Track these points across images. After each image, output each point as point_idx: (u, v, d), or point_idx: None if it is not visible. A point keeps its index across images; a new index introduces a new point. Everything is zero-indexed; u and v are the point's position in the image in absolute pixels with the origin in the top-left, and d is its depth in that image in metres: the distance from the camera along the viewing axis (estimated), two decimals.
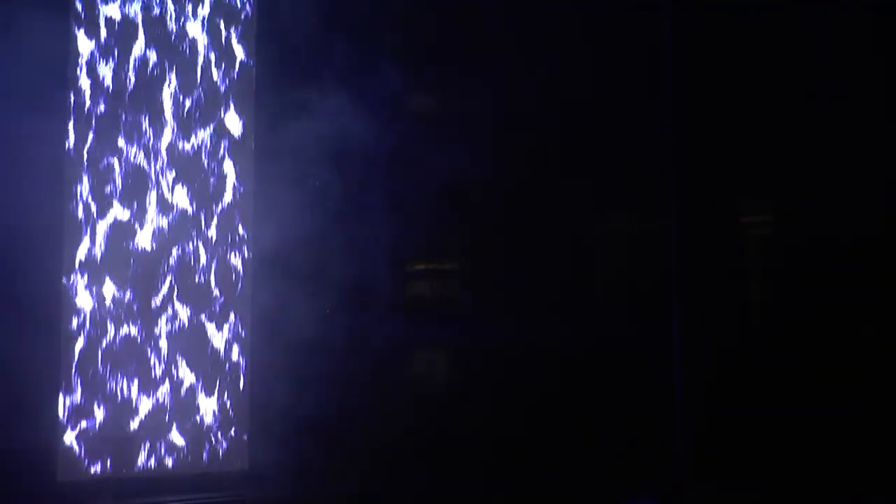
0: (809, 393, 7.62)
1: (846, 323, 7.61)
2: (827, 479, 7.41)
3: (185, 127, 7.64)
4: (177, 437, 7.43)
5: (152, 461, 7.30)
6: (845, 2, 7.66)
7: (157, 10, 7.52)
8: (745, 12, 7.92)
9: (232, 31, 7.95)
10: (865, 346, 7.56)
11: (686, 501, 7.74)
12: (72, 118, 7.07)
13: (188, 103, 7.64)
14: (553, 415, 8.09)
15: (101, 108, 7.21)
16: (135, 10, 7.40)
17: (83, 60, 7.14)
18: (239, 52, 7.97)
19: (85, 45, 7.16)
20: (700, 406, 7.83)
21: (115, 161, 7.26)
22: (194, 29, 7.72)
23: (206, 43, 7.78)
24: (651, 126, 8.10)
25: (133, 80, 7.37)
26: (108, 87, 7.25)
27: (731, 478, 7.67)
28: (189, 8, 7.71)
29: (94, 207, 7.15)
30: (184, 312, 7.55)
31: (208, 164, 7.77)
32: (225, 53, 7.90)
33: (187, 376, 7.52)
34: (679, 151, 8.05)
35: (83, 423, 6.99)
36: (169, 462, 7.37)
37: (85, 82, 7.14)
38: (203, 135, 7.74)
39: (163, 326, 7.43)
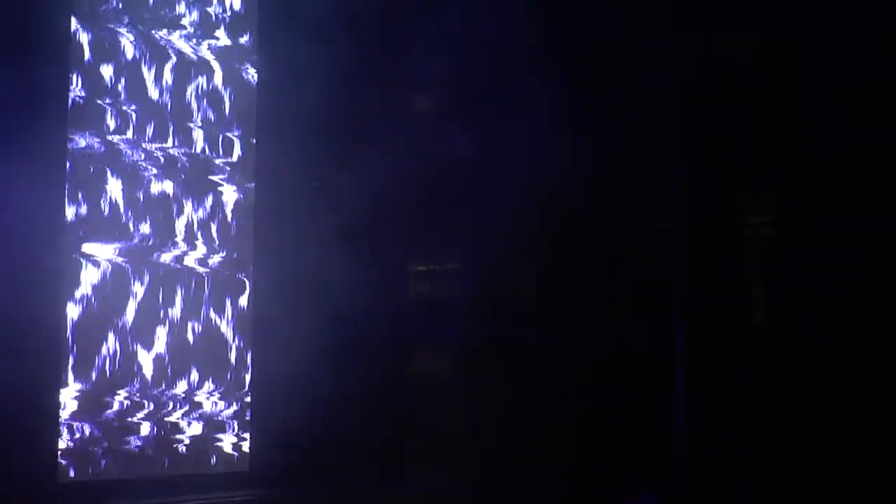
0: (811, 393, 7.61)
1: (848, 323, 7.60)
2: (827, 481, 7.41)
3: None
4: (177, 438, 7.42)
5: (152, 462, 7.28)
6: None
7: None
8: (746, 12, 7.93)
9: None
10: (868, 346, 7.55)
11: (687, 502, 7.72)
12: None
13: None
14: (554, 414, 8.09)
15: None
16: None
17: None
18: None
19: None
20: (701, 406, 7.82)
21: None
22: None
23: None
24: (653, 126, 8.10)
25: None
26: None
27: (731, 478, 7.67)
28: None
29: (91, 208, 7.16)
30: (183, 312, 7.55)
31: (208, 171, 7.79)
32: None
33: (188, 377, 7.52)
34: (681, 152, 8.05)
35: (83, 424, 6.97)
36: (169, 463, 7.36)
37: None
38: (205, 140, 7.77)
39: (163, 328, 7.43)
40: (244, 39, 8.10)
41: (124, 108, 7.28)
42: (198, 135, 7.75)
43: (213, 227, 7.80)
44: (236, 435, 7.80)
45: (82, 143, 7.03)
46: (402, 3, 8.34)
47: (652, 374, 7.93)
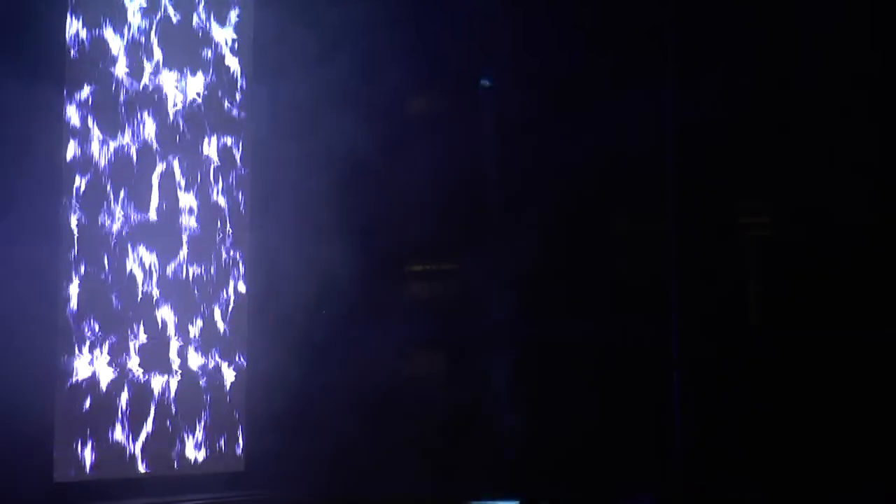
0: (807, 393, 7.61)
1: (846, 324, 7.60)
2: (824, 481, 7.40)
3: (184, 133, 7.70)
4: (174, 438, 7.44)
5: (149, 462, 7.31)
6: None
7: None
8: (745, 14, 7.94)
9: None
10: (867, 347, 7.54)
11: (683, 501, 7.73)
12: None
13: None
14: (551, 414, 8.10)
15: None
16: None
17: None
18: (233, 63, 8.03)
19: None
20: (698, 406, 7.82)
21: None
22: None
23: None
24: (651, 127, 8.10)
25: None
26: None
27: (728, 478, 7.66)
28: None
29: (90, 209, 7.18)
30: (181, 313, 7.57)
31: (205, 172, 7.81)
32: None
33: (184, 377, 7.54)
34: (679, 152, 8.05)
35: (80, 424, 6.99)
36: (165, 463, 7.38)
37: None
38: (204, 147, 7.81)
39: (159, 328, 7.46)
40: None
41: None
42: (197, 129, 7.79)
43: (211, 227, 7.83)
44: (233, 434, 7.82)
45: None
46: (401, 6, 8.35)
47: (649, 374, 7.94)
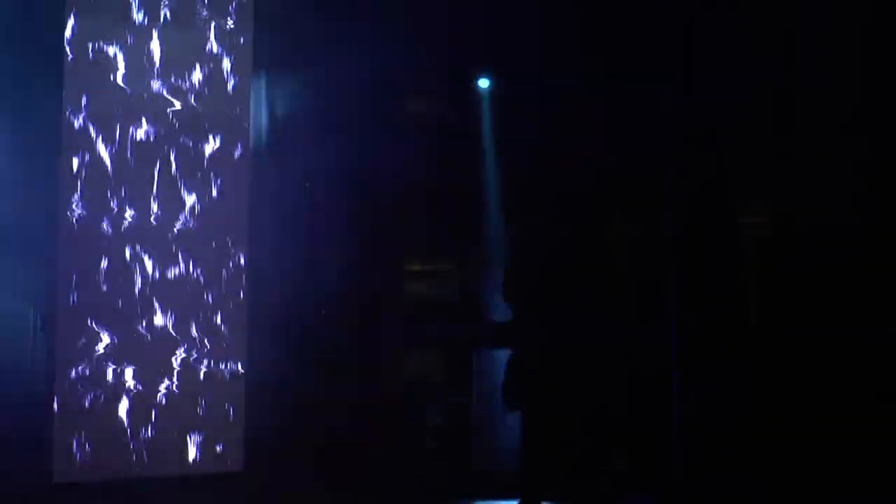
0: (807, 393, 7.61)
1: (843, 323, 7.60)
2: (825, 480, 7.41)
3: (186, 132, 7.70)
4: (172, 439, 7.44)
5: (148, 462, 7.30)
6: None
7: None
8: (746, 14, 7.95)
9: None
10: (865, 347, 7.55)
11: (683, 501, 7.73)
12: None
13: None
14: (550, 414, 8.09)
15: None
16: None
17: None
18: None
19: None
20: (697, 406, 7.82)
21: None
22: None
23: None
24: (651, 127, 8.11)
25: None
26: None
27: (728, 478, 7.66)
28: None
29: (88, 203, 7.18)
30: (180, 312, 7.57)
31: (206, 170, 7.80)
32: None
33: (182, 376, 7.54)
34: (678, 153, 8.06)
35: (79, 424, 6.99)
36: (164, 464, 7.38)
37: None
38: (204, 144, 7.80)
39: (158, 327, 7.45)
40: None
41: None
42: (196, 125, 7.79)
43: (211, 228, 7.82)
44: (233, 435, 7.81)
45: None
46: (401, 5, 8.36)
47: (648, 375, 7.95)
